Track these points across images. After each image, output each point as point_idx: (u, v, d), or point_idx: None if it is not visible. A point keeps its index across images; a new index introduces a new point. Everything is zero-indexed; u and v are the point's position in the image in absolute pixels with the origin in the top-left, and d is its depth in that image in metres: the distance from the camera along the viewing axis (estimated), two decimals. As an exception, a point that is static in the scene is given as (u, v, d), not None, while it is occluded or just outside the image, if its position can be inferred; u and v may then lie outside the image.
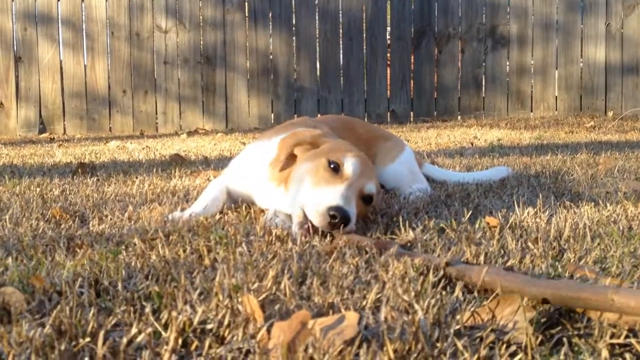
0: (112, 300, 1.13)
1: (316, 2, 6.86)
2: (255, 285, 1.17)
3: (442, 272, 1.23)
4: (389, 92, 7.00)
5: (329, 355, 0.88)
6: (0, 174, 2.92)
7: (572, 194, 2.20)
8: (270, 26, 6.85)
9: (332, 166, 1.65)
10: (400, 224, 1.70)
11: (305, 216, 1.57)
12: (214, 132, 6.23)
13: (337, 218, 1.51)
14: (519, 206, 1.91)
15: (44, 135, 6.47)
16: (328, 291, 1.15)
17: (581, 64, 6.82)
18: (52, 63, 6.65)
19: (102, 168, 3.19)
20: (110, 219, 1.84)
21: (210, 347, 0.93)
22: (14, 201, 2.10)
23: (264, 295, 1.12)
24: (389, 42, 7.04)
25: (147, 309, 1.05)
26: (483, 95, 6.94)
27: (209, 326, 1.00)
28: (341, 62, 6.96)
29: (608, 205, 1.95)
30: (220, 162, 3.42)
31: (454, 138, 4.91)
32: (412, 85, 6.98)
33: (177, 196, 2.24)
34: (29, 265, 1.33)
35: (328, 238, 1.55)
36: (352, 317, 0.98)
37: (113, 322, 1.01)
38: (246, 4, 6.80)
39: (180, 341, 0.95)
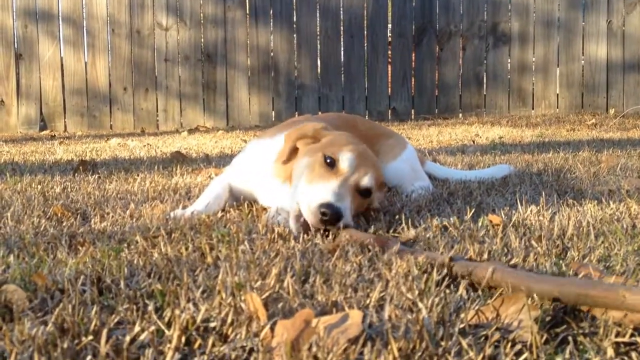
0: (115, 298, 1.12)
1: (317, -1, 6.85)
2: (258, 283, 1.17)
3: (446, 270, 1.22)
4: (390, 89, 6.99)
5: (333, 354, 0.87)
6: (2, 171, 2.92)
7: (574, 192, 2.19)
8: (271, 23, 6.84)
9: (327, 161, 1.65)
10: (403, 221, 1.69)
11: (300, 212, 1.58)
12: (215, 130, 6.22)
13: (328, 215, 1.51)
14: (521, 204, 1.91)
15: (44, 132, 6.46)
16: (331, 289, 1.15)
17: (582, 62, 6.81)
18: (52, 60, 6.64)
19: (103, 165, 3.18)
20: (112, 216, 1.83)
21: (213, 345, 0.92)
22: (15, 199, 2.10)
23: (267, 294, 1.11)
24: (390, 39, 7.03)
25: (150, 307, 1.04)
26: (484, 93, 6.93)
27: (212, 324, 0.99)
28: (342, 60, 6.95)
29: (611, 203, 1.94)
30: (221, 160, 3.42)
31: (455, 136, 4.90)
32: (413, 82, 6.97)
33: (179, 194, 2.23)
34: (31, 263, 1.33)
35: (331, 236, 1.55)
36: (356, 315, 0.97)
37: (116, 320, 1.01)
38: (247, 1, 6.79)
39: (183, 339, 0.94)
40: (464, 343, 0.91)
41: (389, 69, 7.00)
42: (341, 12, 6.91)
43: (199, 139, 5.15)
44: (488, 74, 6.91)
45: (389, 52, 7.01)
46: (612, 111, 6.63)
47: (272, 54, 6.87)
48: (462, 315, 1.02)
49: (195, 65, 6.79)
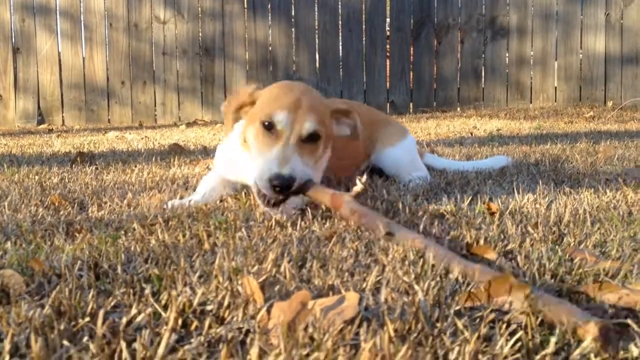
0: (112, 282, 1.12)
1: (315, -8, 6.83)
2: (255, 268, 1.17)
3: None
4: (388, 83, 6.98)
5: (329, 335, 0.87)
6: (-1, 163, 2.92)
7: (571, 181, 2.20)
8: (270, 17, 6.82)
9: (266, 125, 1.65)
10: (400, 209, 1.69)
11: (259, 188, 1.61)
12: (213, 123, 6.21)
13: (279, 186, 1.53)
14: (518, 192, 1.91)
15: (42, 126, 6.45)
16: (328, 274, 1.15)
17: (581, 55, 6.80)
18: (50, 54, 6.63)
19: (101, 157, 3.18)
20: (110, 205, 1.84)
21: (210, 327, 0.93)
22: (12, 189, 2.10)
23: (263, 277, 1.12)
24: (388, 33, 7.02)
25: (147, 291, 1.05)
26: (482, 86, 6.93)
27: (208, 307, 1.00)
28: (340, 54, 6.94)
29: (608, 191, 1.95)
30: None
31: (454, 128, 4.90)
32: (411, 76, 6.96)
33: (177, 184, 2.24)
34: (28, 249, 1.33)
35: (328, 223, 1.55)
36: (352, 297, 0.97)
37: (112, 303, 1.01)
38: (245, -6, 6.78)
39: (180, 321, 0.94)
40: (460, 324, 0.91)
41: (388, 62, 6.99)
42: (339, 6, 6.89)
43: (197, 132, 5.15)
44: (486, 67, 6.90)
45: (388, 46, 7.00)
46: (610, 104, 6.63)
47: (270, 48, 6.85)
48: (457, 298, 1.02)
49: (193, 58, 6.77)
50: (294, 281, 1.11)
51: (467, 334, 0.89)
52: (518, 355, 0.86)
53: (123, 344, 0.82)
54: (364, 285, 1.10)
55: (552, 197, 1.88)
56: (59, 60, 6.64)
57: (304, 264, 1.24)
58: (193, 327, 0.94)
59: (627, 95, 6.65)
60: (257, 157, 1.65)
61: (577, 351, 0.86)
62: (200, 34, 6.79)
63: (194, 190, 2.03)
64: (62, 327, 0.90)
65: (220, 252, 1.24)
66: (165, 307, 0.99)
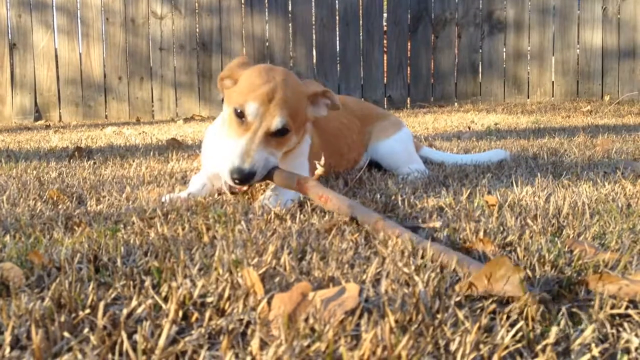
0: (112, 275, 1.12)
1: (312, -13, 6.82)
2: (255, 260, 1.17)
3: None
4: (385, 77, 6.98)
5: (330, 325, 0.87)
6: (-4, 158, 2.91)
7: (570, 174, 2.20)
8: (267, 12, 6.81)
9: (238, 113, 1.66)
10: (399, 202, 1.69)
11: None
12: (211, 119, 6.20)
13: (239, 180, 1.59)
14: (517, 185, 1.91)
15: (39, 122, 6.44)
16: (328, 266, 1.15)
17: (578, 49, 6.80)
18: (47, 50, 6.61)
19: (99, 152, 3.17)
20: (108, 199, 1.83)
21: (210, 319, 0.93)
22: (10, 183, 2.09)
23: (263, 270, 1.12)
24: (385, 27, 7.01)
25: (147, 283, 1.05)
26: (480, 81, 6.93)
27: (209, 299, 0.99)
28: (338, 48, 6.93)
29: (606, 184, 1.95)
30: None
31: (451, 123, 4.90)
32: (408, 70, 6.95)
33: (175, 178, 2.23)
34: (27, 242, 1.32)
35: (327, 216, 1.55)
36: (352, 288, 0.97)
37: (113, 295, 1.01)
38: (242, -11, 6.76)
39: (180, 313, 0.94)
40: (460, 314, 0.91)
41: (385, 57, 6.99)
42: (337, 0, 6.88)
43: (195, 127, 5.14)
44: (483, 62, 6.90)
45: (385, 40, 7.00)
46: (607, 98, 6.64)
47: (267, 42, 6.84)
48: (457, 289, 1.02)
49: (190, 54, 6.76)
50: (294, 273, 1.11)
51: (467, 324, 0.89)
52: (519, 345, 0.86)
53: (124, 336, 0.82)
54: (364, 277, 1.10)
55: (550, 190, 1.88)
56: (56, 56, 6.62)
57: (304, 256, 1.23)
58: (193, 318, 0.94)
59: (624, 90, 6.66)
60: (227, 140, 1.68)
61: (578, 341, 0.86)
62: (197, 29, 6.77)
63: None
64: (62, 319, 0.90)
65: (219, 245, 1.23)
66: (165, 299, 0.99)
